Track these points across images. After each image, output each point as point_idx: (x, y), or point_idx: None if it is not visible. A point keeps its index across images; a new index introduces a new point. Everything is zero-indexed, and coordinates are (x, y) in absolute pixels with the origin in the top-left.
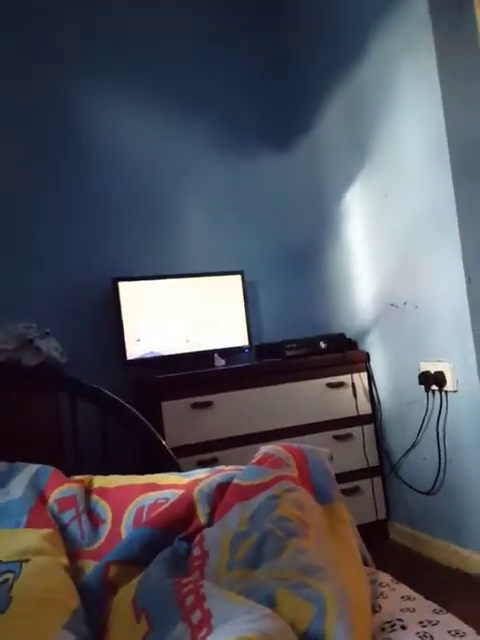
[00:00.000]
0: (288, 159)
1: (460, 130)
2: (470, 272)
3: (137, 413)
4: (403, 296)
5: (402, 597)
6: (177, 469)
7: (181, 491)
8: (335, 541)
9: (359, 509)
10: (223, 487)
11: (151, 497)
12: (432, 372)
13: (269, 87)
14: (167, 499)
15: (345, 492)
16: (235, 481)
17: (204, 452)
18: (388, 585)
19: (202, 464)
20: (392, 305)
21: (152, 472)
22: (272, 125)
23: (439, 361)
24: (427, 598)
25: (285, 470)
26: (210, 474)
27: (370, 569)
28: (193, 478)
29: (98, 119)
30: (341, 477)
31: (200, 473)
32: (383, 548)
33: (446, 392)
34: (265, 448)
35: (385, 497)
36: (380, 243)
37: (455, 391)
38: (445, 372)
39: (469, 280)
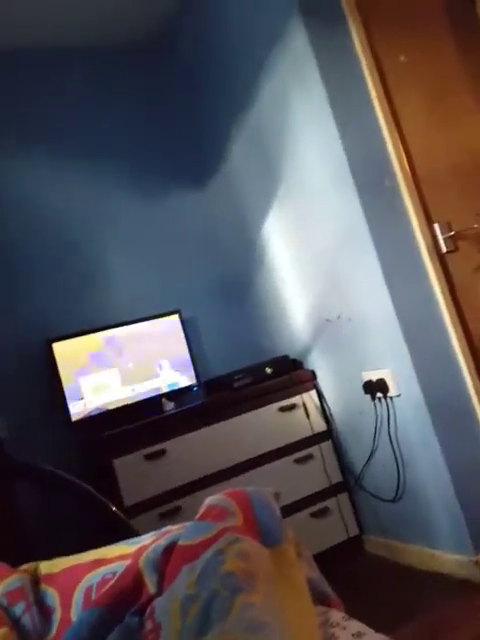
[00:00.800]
0: (207, 195)
1: (357, 151)
2: (389, 279)
3: (83, 485)
4: (336, 311)
5: (353, 635)
6: (133, 533)
7: (129, 562)
8: (284, 586)
9: (330, 530)
10: (169, 550)
11: (99, 574)
12: (374, 380)
13: (177, 129)
14: (115, 573)
15: (314, 515)
16: (180, 542)
17: (165, 503)
18: (338, 624)
19: (164, 516)
20: (327, 320)
21: (109, 540)
22: (186, 166)
23: (379, 369)
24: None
25: (230, 520)
26: (156, 538)
27: (321, 608)
28: (140, 545)
29: (12, 177)
30: (308, 501)
31: (147, 538)
32: (360, 563)
33: (391, 398)
34: (209, 500)
35: (354, 512)
36: (305, 263)
37: (399, 395)
38: (386, 379)
39: (389, 283)
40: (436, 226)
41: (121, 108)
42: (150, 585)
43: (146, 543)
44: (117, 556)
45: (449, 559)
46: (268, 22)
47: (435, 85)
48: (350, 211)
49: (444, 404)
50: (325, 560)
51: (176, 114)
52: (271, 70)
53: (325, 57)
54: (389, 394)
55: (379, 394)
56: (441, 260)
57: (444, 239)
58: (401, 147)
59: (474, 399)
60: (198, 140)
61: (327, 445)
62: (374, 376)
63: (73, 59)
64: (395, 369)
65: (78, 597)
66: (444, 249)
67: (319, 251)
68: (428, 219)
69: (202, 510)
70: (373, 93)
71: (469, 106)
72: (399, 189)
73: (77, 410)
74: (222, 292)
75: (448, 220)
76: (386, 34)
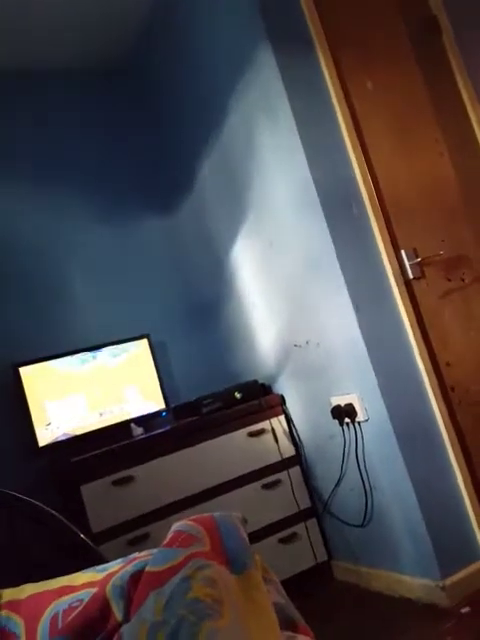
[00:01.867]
0: (176, 221)
1: (325, 178)
2: (357, 305)
3: (49, 511)
4: (304, 336)
5: None
6: (101, 560)
7: (96, 589)
8: (251, 612)
9: (299, 555)
10: (136, 577)
11: (65, 602)
12: (343, 405)
13: (145, 155)
14: (82, 600)
15: (282, 541)
16: (147, 568)
17: (133, 530)
18: None
19: (132, 543)
20: (296, 345)
21: (77, 567)
22: (155, 192)
23: (347, 394)
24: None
25: (197, 546)
26: (123, 565)
27: (289, 634)
28: (107, 572)
29: None
30: (276, 526)
31: (114, 565)
32: (329, 589)
33: (359, 423)
34: (176, 525)
35: (323, 537)
36: (274, 289)
37: (366, 420)
38: (354, 403)
39: (357, 308)
40: (403, 253)
41: (89, 133)
42: (117, 612)
43: (113, 570)
44: (84, 583)
45: (416, 584)
46: (236, 47)
47: (401, 112)
48: (318, 238)
49: (411, 429)
50: (294, 586)
51: (144, 140)
52: (239, 97)
53: (293, 83)
54: (357, 419)
55: (347, 419)
56: (408, 286)
57: (410, 266)
58: (368, 174)
59: (440, 424)
60: (167, 166)
61: (295, 470)
62: (342, 401)
63: (42, 83)
64: (363, 394)
65: (44, 625)
66: (411, 275)
67: (288, 277)
68: (395, 246)
69: (169, 536)
70: (341, 120)
71: (434, 134)
72: (367, 216)
73: (44, 435)
74: (191, 317)
75: (414, 247)
76: (353, 60)
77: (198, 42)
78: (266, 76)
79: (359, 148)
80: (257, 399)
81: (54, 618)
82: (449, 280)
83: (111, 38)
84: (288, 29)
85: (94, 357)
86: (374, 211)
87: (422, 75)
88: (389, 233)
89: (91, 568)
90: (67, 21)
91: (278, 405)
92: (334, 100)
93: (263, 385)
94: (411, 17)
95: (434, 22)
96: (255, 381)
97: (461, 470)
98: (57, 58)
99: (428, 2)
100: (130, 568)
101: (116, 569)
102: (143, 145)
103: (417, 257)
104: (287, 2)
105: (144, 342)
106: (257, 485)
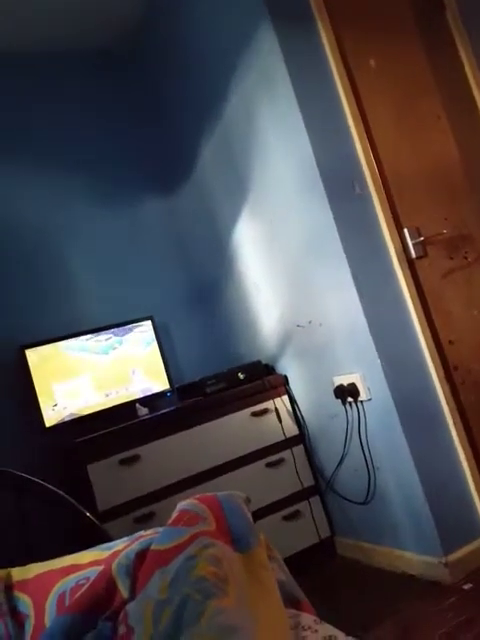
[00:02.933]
0: (177, 203)
1: (327, 157)
2: (360, 285)
3: (56, 491)
4: (307, 316)
5: (324, 638)
6: (107, 539)
7: (102, 567)
8: (256, 591)
9: (302, 532)
10: (142, 555)
11: (72, 580)
12: (345, 385)
13: (145, 137)
14: (88, 579)
15: (286, 518)
16: (153, 547)
17: (140, 508)
18: (310, 627)
19: (138, 521)
20: (299, 326)
21: (83, 545)
22: (156, 174)
23: (350, 373)
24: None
25: (202, 525)
26: (129, 543)
27: (293, 612)
28: (113, 550)
29: None
30: (280, 504)
31: (120, 544)
32: (332, 565)
33: (362, 402)
34: (181, 504)
35: (326, 514)
36: (276, 270)
37: (369, 400)
38: (357, 383)
39: (360, 288)
40: (405, 232)
41: (88, 116)
42: (123, 590)
43: (119, 548)
44: (90, 562)
45: (418, 561)
46: (237, 25)
47: (404, 90)
48: (320, 217)
49: (413, 408)
50: (297, 563)
51: (144, 122)
52: (240, 75)
53: (294, 60)
54: (360, 398)
55: (350, 399)
56: (411, 266)
57: (413, 245)
58: (371, 153)
59: (443, 403)
60: (167, 148)
61: (299, 449)
62: (345, 381)
63: (39, 67)
64: (365, 374)
65: (51, 603)
66: (414, 255)
67: (290, 257)
68: (397, 225)
69: (174, 515)
70: (343, 98)
71: (436, 112)
72: (369, 195)
73: (51, 416)
74: (194, 298)
75: (417, 226)
76: (356, 38)
77: (199, 23)
78: (267, 55)
79: (361, 127)
80: (260, 379)
81: (61, 596)
82: (452, 259)
83: (112, 21)
84: (289, 7)
85: (99, 338)
86: (377, 190)
87: (425, 53)
88: (392, 212)
89: (96, 547)
90: (68, 5)
91: (281, 385)
92: (336, 78)
93: (266, 365)
94: None
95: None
96: (258, 361)
97: (463, 449)
98: (57, 42)
99: None
100: (136, 546)
101: (122, 547)
102: (144, 128)
103: (420, 236)
104: None
105: (148, 324)
106: (261, 464)
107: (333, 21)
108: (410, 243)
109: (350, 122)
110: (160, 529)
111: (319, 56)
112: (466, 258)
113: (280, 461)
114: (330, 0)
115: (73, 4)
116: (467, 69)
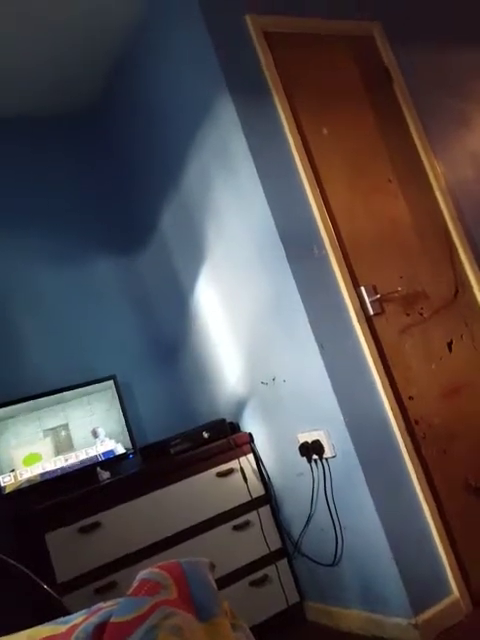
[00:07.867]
0: (140, 262)
1: (286, 222)
2: (321, 342)
3: (12, 562)
4: (270, 373)
5: None
6: (65, 612)
7: None
8: None
9: (270, 598)
10: (101, 628)
11: None
12: (310, 442)
13: (109, 199)
14: None
15: (253, 584)
16: (113, 619)
17: (101, 578)
18: None
19: (100, 591)
20: (263, 383)
21: (41, 620)
22: (118, 235)
23: (314, 430)
24: None
25: (163, 594)
26: (88, 616)
27: None
28: (71, 624)
29: None
30: (247, 569)
31: (78, 617)
32: (301, 632)
33: (326, 459)
34: (142, 573)
35: (294, 578)
36: (239, 328)
37: (334, 456)
38: (321, 440)
39: (321, 345)
40: (362, 290)
41: (52, 177)
42: None
43: (77, 622)
44: (46, 637)
45: (388, 623)
46: (198, 97)
47: (355, 157)
48: (281, 278)
49: (378, 464)
50: (266, 630)
51: (107, 184)
52: (200, 143)
53: (252, 131)
54: (325, 455)
55: (315, 456)
56: (369, 322)
57: (371, 302)
58: (327, 216)
59: (406, 458)
60: (129, 210)
61: (265, 510)
62: (309, 438)
63: (5, 127)
64: (330, 430)
65: None
66: (371, 312)
67: (252, 316)
68: (355, 283)
69: (135, 584)
70: (299, 165)
71: (387, 175)
72: (327, 256)
73: (8, 481)
74: (158, 356)
75: (374, 284)
76: (309, 108)
77: (161, 91)
78: (226, 124)
79: (317, 191)
80: (226, 438)
81: None
82: (408, 315)
83: (75, 86)
84: (246, 80)
85: (59, 399)
86: (334, 251)
87: (375, 121)
88: (349, 271)
89: (54, 620)
90: (34, 71)
91: (246, 443)
92: (292, 146)
93: (231, 423)
94: (364, 67)
95: (386, 72)
96: (223, 420)
97: (428, 504)
98: (25, 101)
99: (380, 54)
100: (94, 619)
101: (80, 621)
102: (107, 187)
103: (377, 294)
104: (245, 54)
105: (110, 383)
106: (228, 527)
107: (288, 92)
108: (368, 300)
109: (306, 187)
110: (120, 600)
111: (275, 125)
112: (421, 314)
113: (246, 523)
114: (285, 73)
115: (39, 71)
116: (414, 135)
